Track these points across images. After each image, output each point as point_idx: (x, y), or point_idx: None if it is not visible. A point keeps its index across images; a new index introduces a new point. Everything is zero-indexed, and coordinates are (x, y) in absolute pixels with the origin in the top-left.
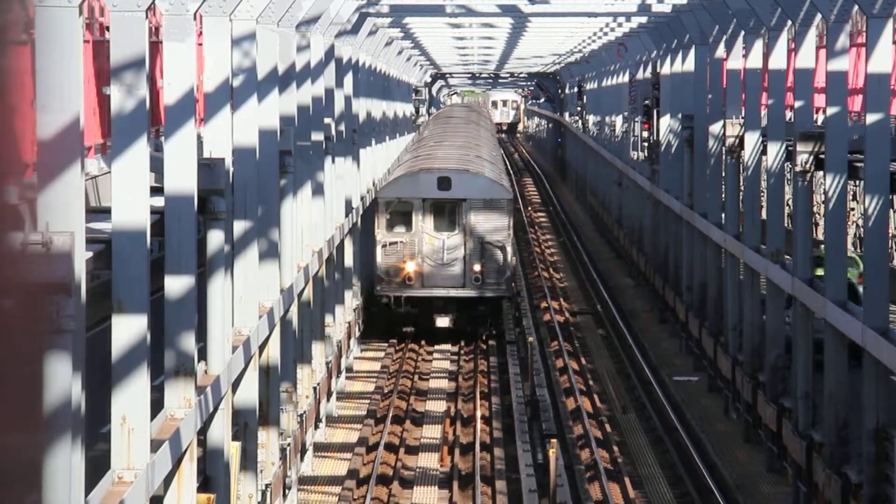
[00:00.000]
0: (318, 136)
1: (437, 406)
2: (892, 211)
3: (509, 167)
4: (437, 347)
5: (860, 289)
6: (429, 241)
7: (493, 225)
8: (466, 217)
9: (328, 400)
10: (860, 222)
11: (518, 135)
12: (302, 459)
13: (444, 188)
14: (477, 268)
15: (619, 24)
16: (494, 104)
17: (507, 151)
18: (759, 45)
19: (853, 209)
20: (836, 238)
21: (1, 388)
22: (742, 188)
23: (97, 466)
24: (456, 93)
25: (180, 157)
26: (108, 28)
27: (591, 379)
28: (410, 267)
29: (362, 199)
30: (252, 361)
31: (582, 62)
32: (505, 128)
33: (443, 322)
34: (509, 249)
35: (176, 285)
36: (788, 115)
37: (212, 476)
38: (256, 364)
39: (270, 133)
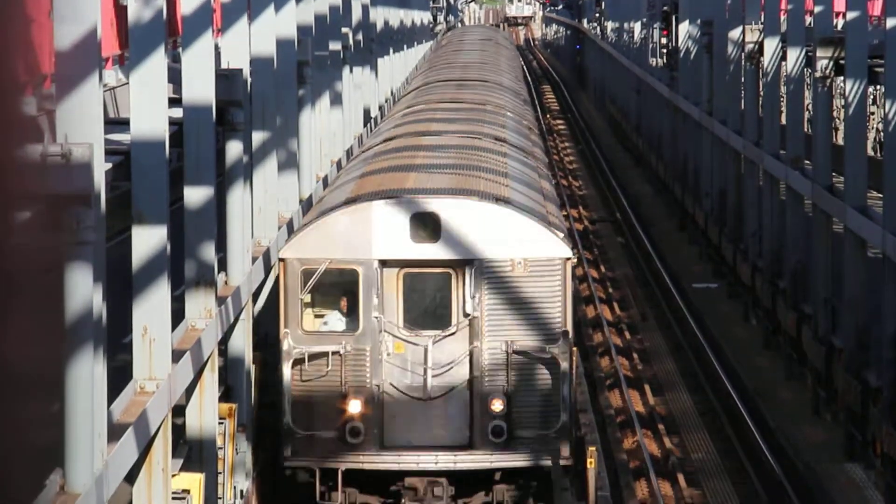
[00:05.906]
0: (335, 46)
1: None
2: None
3: (553, 165)
4: None
5: None
6: (395, 348)
7: (531, 313)
8: (475, 297)
9: None
10: (880, 127)
11: (535, 41)
12: None
13: (427, 237)
14: (497, 405)
15: None
16: None
17: (525, 59)
18: None
19: (873, 114)
20: (857, 143)
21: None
22: (761, 94)
23: (119, 377)
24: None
25: (198, 68)
26: None
27: (611, 287)
28: (355, 407)
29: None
30: (272, 272)
31: None
32: (521, 21)
33: None
34: (564, 364)
35: (195, 196)
36: (808, 20)
37: (233, 386)
38: (276, 274)
39: (288, 43)
